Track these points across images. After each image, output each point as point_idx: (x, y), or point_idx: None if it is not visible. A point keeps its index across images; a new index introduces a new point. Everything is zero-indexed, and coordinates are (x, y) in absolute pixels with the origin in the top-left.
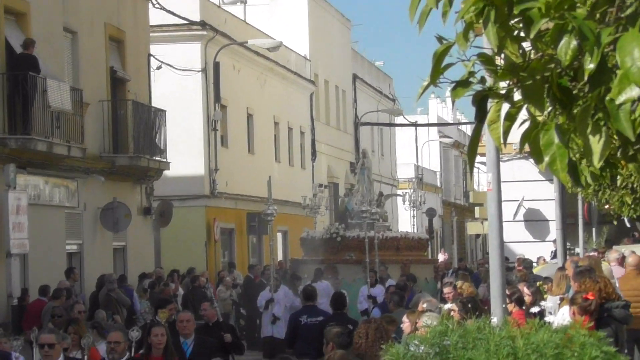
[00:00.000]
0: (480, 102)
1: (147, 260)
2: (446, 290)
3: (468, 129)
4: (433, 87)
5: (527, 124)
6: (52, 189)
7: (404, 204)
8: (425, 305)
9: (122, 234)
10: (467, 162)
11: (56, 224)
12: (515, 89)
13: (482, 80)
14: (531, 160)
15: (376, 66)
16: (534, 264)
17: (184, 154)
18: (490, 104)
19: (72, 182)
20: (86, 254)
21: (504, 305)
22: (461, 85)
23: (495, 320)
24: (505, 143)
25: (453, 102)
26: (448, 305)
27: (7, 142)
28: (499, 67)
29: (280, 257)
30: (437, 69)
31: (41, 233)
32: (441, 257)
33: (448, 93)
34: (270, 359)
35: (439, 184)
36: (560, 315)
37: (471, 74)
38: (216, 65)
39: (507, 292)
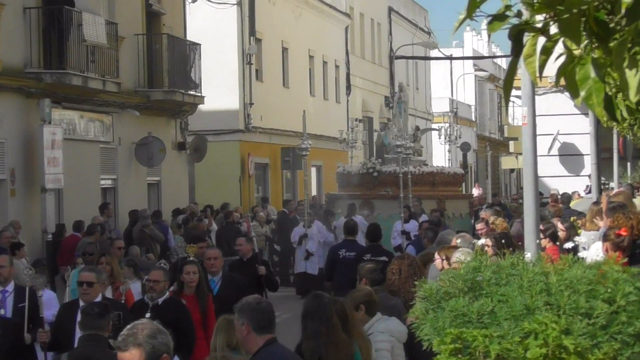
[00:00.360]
0: (516, 35)
1: (181, 196)
2: (479, 226)
3: (503, 62)
4: (469, 20)
5: (563, 58)
6: (87, 123)
7: (439, 138)
8: (458, 240)
9: (156, 169)
10: (502, 96)
11: (91, 158)
12: (551, 23)
13: (519, 14)
14: (567, 93)
15: None
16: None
17: (218, 88)
18: (527, 37)
19: (107, 116)
20: (121, 189)
21: (537, 241)
22: (497, 18)
23: (528, 255)
24: (540, 77)
25: (489, 36)
26: (482, 241)
27: (43, 77)
28: (535, 1)
29: (314, 192)
30: (474, 2)
31: (76, 168)
32: (475, 192)
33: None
34: (304, 295)
35: (473, 118)
36: (593, 250)
37: (507, 7)
38: None
39: (541, 227)
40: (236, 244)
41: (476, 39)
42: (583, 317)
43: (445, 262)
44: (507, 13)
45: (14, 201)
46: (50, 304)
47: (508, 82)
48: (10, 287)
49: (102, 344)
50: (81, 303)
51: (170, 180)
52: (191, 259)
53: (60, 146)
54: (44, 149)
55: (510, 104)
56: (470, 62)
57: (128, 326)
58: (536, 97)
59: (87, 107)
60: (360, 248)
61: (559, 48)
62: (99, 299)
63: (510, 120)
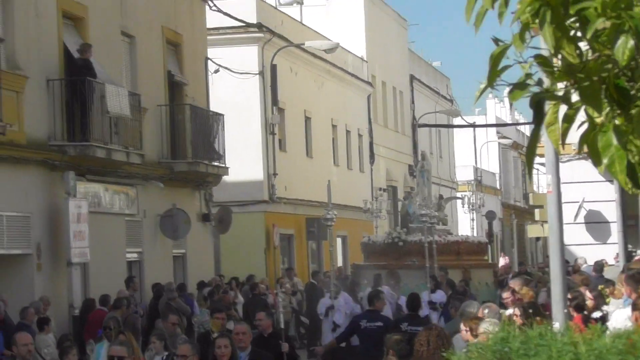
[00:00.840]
0: (537, 104)
1: (207, 268)
2: (505, 295)
3: (527, 129)
4: (491, 89)
5: (585, 126)
6: (112, 196)
7: (463, 207)
8: (486, 311)
9: (181, 241)
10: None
11: (116, 231)
12: (572, 90)
13: (540, 82)
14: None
15: (433, 67)
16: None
17: (242, 158)
18: (548, 105)
19: (131, 188)
20: (146, 262)
21: (565, 310)
22: (518, 87)
23: (557, 325)
24: (563, 145)
25: (511, 105)
26: (509, 311)
27: (67, 150)
28: (556, 69)
29: (339, 262)
30: (494, 71)
31: (102, 241)
32: (502, 261)
33: (505, 93)
34: None
35: (498, 186)
36: (614, 318)
37: (528, 75)
38: (273, 68)
39: (569, 296)
40: (256, 319)
41: (499, 107)
42: None
43: (469, 333)
44: (528, 81)
45: (41, 276)
46: None
47: (530, 151)
48: None
49: None
50: None
51: (196, 253)
52: (221, 332)
53: (86, 219)
54: (70, 222)
55: (535, 171)
56: (494, 129)
57: None
58: (560, 164)
59: (112, 179)
60: (383, 319)
61: (581, 116)
62: None
63: (535, 188)
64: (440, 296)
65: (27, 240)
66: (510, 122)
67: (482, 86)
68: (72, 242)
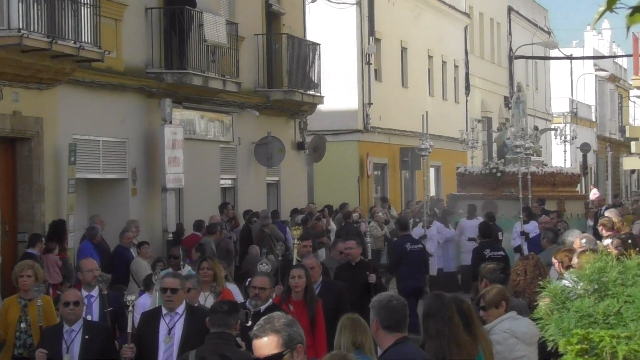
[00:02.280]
0: None
1: (300, 196)
2: (600, 226)
3: (624, 62)
4: (610, 12)
5: None
6: (207, 123)
7: (555, 138)
8: (583, 241)
9: (275, 169)
10: (623, 97)
11: (211, 158)
12: None
13: None
14: None
15: None
16: None
17: (337, 88)
18: None
19: (226, 116)
20: (240, 188)
21: None
22: (638, 10)
23: None
24: None
25: (628, 29)
26: (607, 241)
27: (164, 77)
28: None
29: (433, 192)
30: None
31: (196, 168)
32: (592, 194)
33: (605, 25)
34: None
35: (593, 119)
36: None
37: None
38: None
39: None
40: (346, 247)
41: (597, 39)
42: None
43: (560, 265)
44: None
45: (135, 200)
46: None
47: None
48: (95, 292)
49: (230, 341)
50: (164, 311)
51: (289, 180)
52: (298, 259)
53: (181, 146)
54: (165, 148)
55: (631, 104)
56: (591, 62)
57: (265, 316)
58: None
59: (207, 107)
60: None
61: None
62: (182, 305)
63: (631, 120)
64: (532, 227)
65: (123, 165)
66: (608, 54)
67: (601, 9)
68: (167, 168)
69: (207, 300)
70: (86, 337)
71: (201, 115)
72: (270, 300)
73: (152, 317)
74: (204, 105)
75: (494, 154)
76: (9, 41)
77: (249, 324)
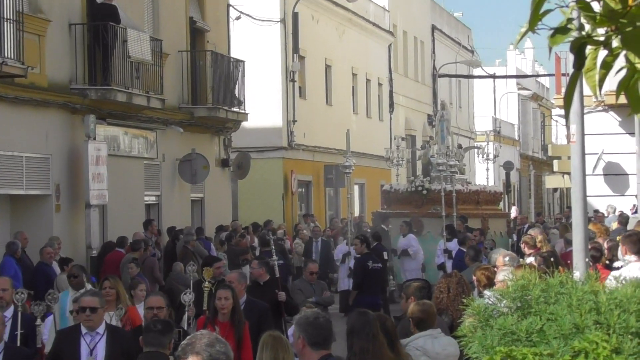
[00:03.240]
0: (578, 49)
1: (225, 212)
2: (523, 243)
3: (547, 82)
4: (532, 32)
5: (624, 72)
6: (131, 139)
7: (478, 156)
8: (507, 259)
9: (200, 186)
10: (545, 115)
11: (135, 175)
12: (614, 36)
13: (581, 27)
14: (612, 112)
15: (455, 17)
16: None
17: (262, 105)
18: (588, 51)
19: (151, 132)
20: (164, 205)
21: (586, 260)
22: (560, 32)
23: (577, 274)
24: (601, 91)
25: (550, 49)
26: (529, 259)
27: (88, 93)
28: (597, 14)
29: (357, 209)
30: (536, 15)
31: (120, 184)
32: (513, 211)
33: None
34: (346, 312)
35: (516, 137)
36: (626, 270)
37: (569, 20)
38: (295, 16)
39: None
40: (251, 267)
41: (519, 58)
42: (634, 336)
43: (479, 284)
44: (569, 26)
45: (59, 217)
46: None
47: (568, 96)
48: (9, 312)
49: None
50: (83, 330)
51: (214, 197)
52: (226, 283)
53: (105, 162)
54: (89, 164)
55: (553, 123)
56: (514, 81)
57: (188, 336)
58: None
59: (132, 123)
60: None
61: (620, 62)
62: (102, 325)
63: (553, 140)
64: (454, 245)
65: (47, 181)
66: (530, 73)
67: (523, 29)
68: (91, 184)
69: (112, 319)
70: None
71: (125, 132)
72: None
73: (71, 336)
74: (128, 121)
75: (418, 172)
76: None
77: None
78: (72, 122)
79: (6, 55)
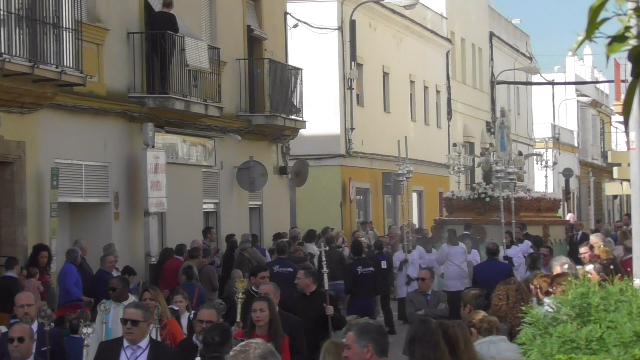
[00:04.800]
0: (636, 57)
1: (283, 220)
2: (583, 250)
3: (606, 88)
4: (589, 40)
5: None
6: (189, 147)
7: (536, 163)
8: (565, 267)
9: (258, 193)
10: (605, 122)
11: (193, 182)
12: None
13: (639, 35)
14: None
15: (513, 24)
16: None
17: (319, 113)
18: None
19: (209, 140)
20: (222, 213)
21: None
22: (617, 40)
23: (637, 282)
24: None
25: (608, 58)
26: (589, 267)
27: (146, 101)
28: None
29: (415, 217)
30: (593, 24)
31: (178, 192)
32: (570, 219)
33: (587, 51)
34: (405, 320)
35: (575, 144)
36: None
37: (627, 28)
38: (352, 23)
39: None
40: (296, 277)
41: (578, 64)
42: None
43: (539, 290)
44: (627, 34)
45: (118, 224)
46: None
47: (627, 104)
48: (33, 327)
49: None
50: (125, 343)
51: (272, 205)
52: (262, 295)
53: (164, 170)
54: (148, 172)
55: (613, 130)
56: (573, 87)
57: (242, 343)
58: None
59: (189, 131)
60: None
61: None
62: (145, 339)
63: (613, 146)
64: (514, 252)
65: (106, 189)
66: (589, 80)
67: (580, 38)
68: (150, 192)
69: (151, 332)
70: None
71: (183, 140)
72: None
73: (111, 349)
74: (186, 129)
75: (477, 179)
76: None
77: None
78: (130, 130)
79: (65, 64)
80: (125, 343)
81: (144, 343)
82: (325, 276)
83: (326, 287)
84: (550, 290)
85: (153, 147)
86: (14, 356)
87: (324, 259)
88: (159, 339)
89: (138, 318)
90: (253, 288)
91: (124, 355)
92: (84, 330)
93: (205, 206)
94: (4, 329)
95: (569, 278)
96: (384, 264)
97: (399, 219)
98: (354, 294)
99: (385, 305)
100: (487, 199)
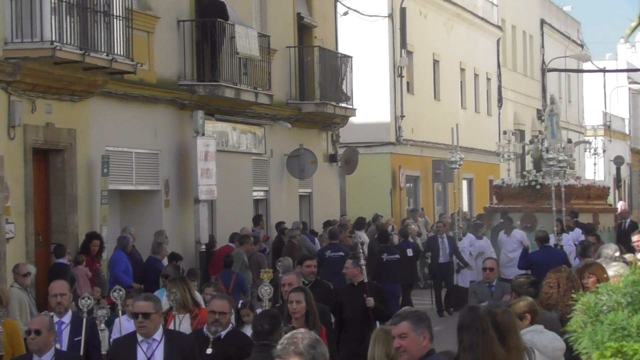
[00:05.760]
0: None
1: (333, 207)
2: (635, 238)
3: None
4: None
5: None
6: (239, 135)
7: (585, 151)
8: (617, 254)
9: (307, 181)
10: None
11: (243, 170)
12: None
13: None
14: None
15: (564, 11)
16: None
17: (369, 100)
18: None
19: (259, 128)
20: (272, 200)
21: None
22: None
23: None
24: None
25: None
26: None
27: (196, 89)
28: None
29: (465, 204)
30: None
31: (229, 179)
32: (620, 207)
33: (638, 38)
34: (456, 308)
35: (627, 132)
36: None
37: None
38: (403, 11)
39: None
40: (344, 267)
41: (630, 52)
42: None
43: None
44: None
45: (168, 212)
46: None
47: None
48: (67, 318)
49: None
50: (139, 337)
51: (322, 192)
52: (298, 286)
53: (214, 158)
54: (198, 160)
55: None
56: (624, 74)
57: (287, 335)
58: None
59: (240, 119)
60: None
61: None
62: (159, 331)
63: None
64: (566, 239)
65: (156, 176)
66: None
67: (633, 24)
68: (200, 180)
69: (181, 322)
70: None
71: (233, 127)
72: (231, 325)
73: (126, 345)
74: (236, 117)
75: (527, 167)
76: (42, 53)
77: (210, 351)
78: (180, 118)
79: (116, 52)
80: (140, 337)
81: (158, 335)
82: (364, 268)
83: (365, 279)
84: (583, 282)
85: (203, 134)
86: (32, 349)
87: (361, 251)
88: (190, 330)
89: (149, 310)
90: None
91: (140, 350)
92: (98, 312)
93: (255, 194)
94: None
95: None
96: (409, 252)
97: (449, 207)
98: (379, 280)
99: (406, 294)
100: (538, 187)
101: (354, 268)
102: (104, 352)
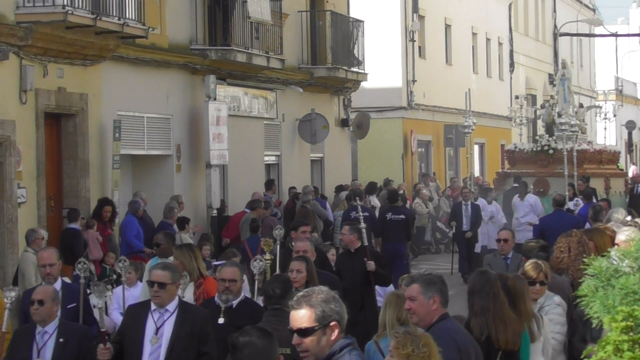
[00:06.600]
0: None
1: (344, 172)
2: None
3: None
4: None
5: None
6: (251, 100)
7: (596, 115)
8: (628, 218)
9: (319, 146)
10: None
11: (255, 135)
12: None
13: None
14: None
15: None
16: None
17: (381, 65)
18: None
19: (270, 93)
20: (284, 165)
21: None
22: None
23: None
24: None
25: None
26: None
27: (208, 54)
28: None
29: (477, 169)
30: None
31: (240, 144)
32: (631, 171)
33: None
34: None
35: (639, 96)
36: None
37: None
38: None
39: None
40: (341, 233)
41: None
42: None
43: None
44: None
45: (180, 176)
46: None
47: None
48: (57, 285)
49: (287, 319)
50: (153, 306)
51: (333, 157)
52: (299, 254)
53: (225, 122)
54: (209, 125)
55: None
56: (636, 39)
57: (307, 289)
58: None
59: (251, 83)
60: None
61: None
62: (174, 301)
63: None
64: (571, 205)
65: (168, 141)
66: None
67: None
68: (211, 144)
69: (185, 291)
70: (60, 340)
71: (245, 92)
72: (243, 294)
73: (139, 312)
74: (248, 81)
75: (539, 132)
76: (53, 18)
77: (222, 321)
78: (192, 82)
79: (127, 16)
80: (153, 306)
81: (172, 306)
82: (364, 232)
83: (365, 242)
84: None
85: (215, 99)
86: (35, 319)
87: (361, 213)
88: (192, 299)
89: (165, 280)
90: (292, 244)
91: (150, 319)
92: (95, 288)
93: (266, 158)
94: (67, 280)
95: (630, 231)
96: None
97: (461, 172)
98: (384, 239)
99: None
100: (550, 151)
101: (350, 234)
102: (103, 328)
